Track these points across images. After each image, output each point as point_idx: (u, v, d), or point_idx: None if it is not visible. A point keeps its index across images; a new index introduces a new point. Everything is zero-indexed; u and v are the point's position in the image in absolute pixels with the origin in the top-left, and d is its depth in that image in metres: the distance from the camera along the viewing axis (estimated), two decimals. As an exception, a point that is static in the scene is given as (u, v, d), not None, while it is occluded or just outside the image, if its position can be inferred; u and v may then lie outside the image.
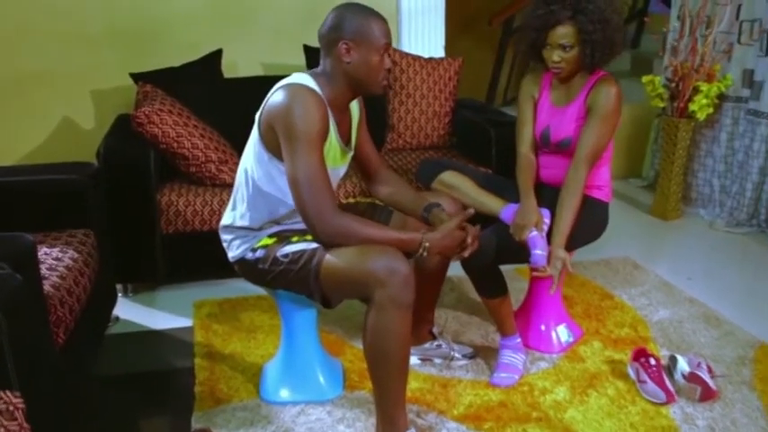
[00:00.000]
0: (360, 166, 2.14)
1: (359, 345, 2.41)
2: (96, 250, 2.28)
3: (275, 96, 1.80)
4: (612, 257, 3.14)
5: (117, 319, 2.64)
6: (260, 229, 1.92)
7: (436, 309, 2.38)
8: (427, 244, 1.78)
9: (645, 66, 4.68)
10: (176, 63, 3.19)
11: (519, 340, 2.28)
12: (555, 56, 2.13)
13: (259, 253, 1.88)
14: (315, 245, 1.80)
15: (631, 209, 3.89)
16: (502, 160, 2.98)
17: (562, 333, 2.41)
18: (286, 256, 1.82)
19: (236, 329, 2.54)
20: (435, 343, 2.29)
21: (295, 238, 1.86)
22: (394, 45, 3.49)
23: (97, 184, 2.40)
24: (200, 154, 2.78)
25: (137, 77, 3.08)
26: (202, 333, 2.51)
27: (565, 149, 2.24)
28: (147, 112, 2.68)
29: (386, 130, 3.39)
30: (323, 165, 1.76)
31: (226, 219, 1.98)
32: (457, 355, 2.27)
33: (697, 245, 3.42)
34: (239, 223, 1.93)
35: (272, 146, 1.82)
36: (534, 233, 2.07)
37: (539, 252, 2.06)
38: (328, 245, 1.78)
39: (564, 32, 2.09)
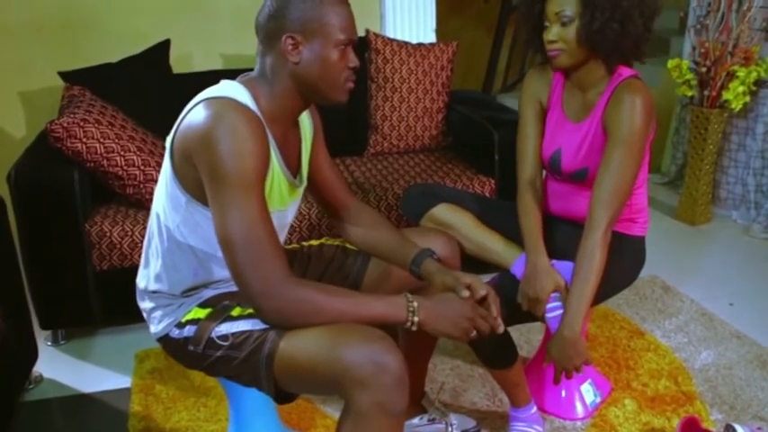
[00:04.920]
0: (320, 200, 1.62)
1: (332, 412, 1.94)
2: (-4, 308, 1.79)
3: (193, 115, 1.29)
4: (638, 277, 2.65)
5: (40, 378, 2.16)
6: (185, 294, 1.43)
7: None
8: (415, 306, 1.29)
9: (661, 45, 4.15)
10: (117, 58, 2.67)
11: (534, 410, 1.80)
12: (550, 34, 1.57)
13: (188, 330, 1.38)
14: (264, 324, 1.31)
15: (653, 211, 3.39)
16: (506, 168, 2.49)
17: (587, 393, 1.94)
18: (225, 338, 1.32)
19: (183, 392, 2.06)
20: (428, 417, 1.80)
21: (236, 311, 1.36)
22: (376, 30, 2.97)
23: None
24: (138, 172, 2.27)
25: (66, 76, 2.57)
26: (141, 398, 2.03)
27: (581, 181, 1.69)
28: (66, 124, 2.16)
29: (368, 132, 2.89)
30: (265, 216, 1.26)
31: (139, 280, 1.49)
32: (456, 431, 1.79)
33: (733, 257, 2.94)
34: (154, 287, 1.43)
35: (191, 185, 1.32)
36: (555, 312, 1.59)
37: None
38: (280, 326, 1.29)
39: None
